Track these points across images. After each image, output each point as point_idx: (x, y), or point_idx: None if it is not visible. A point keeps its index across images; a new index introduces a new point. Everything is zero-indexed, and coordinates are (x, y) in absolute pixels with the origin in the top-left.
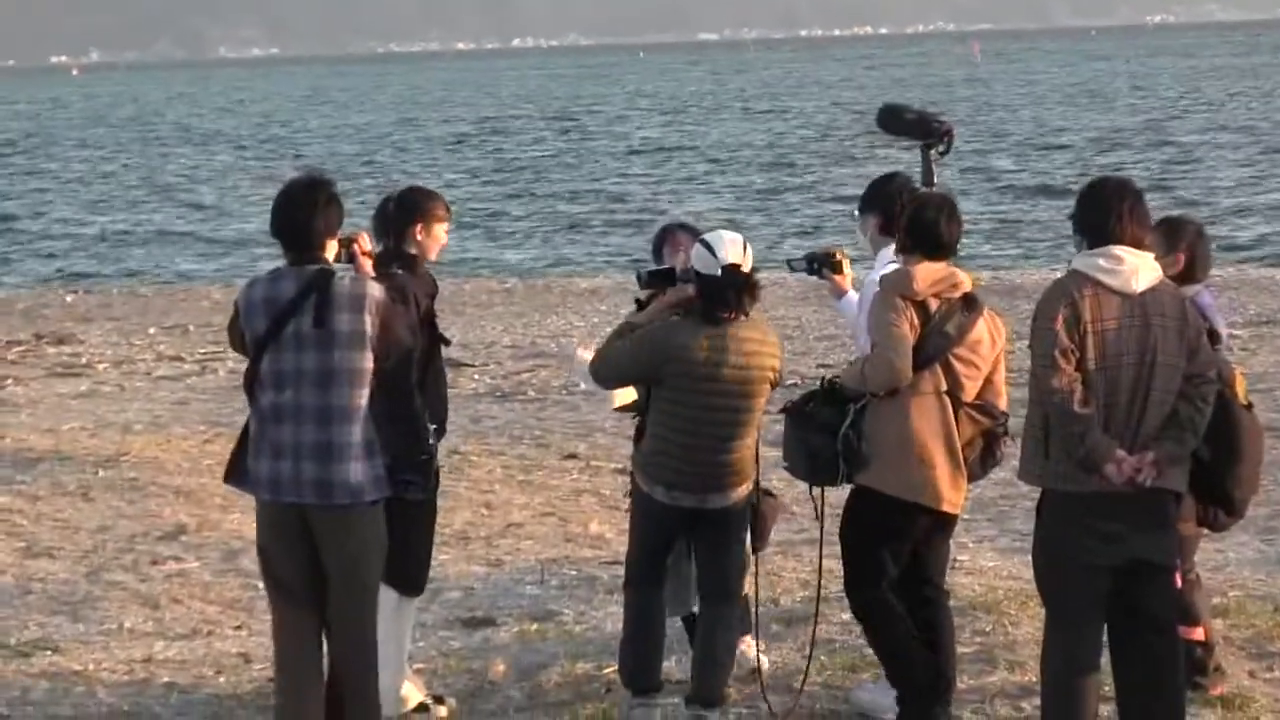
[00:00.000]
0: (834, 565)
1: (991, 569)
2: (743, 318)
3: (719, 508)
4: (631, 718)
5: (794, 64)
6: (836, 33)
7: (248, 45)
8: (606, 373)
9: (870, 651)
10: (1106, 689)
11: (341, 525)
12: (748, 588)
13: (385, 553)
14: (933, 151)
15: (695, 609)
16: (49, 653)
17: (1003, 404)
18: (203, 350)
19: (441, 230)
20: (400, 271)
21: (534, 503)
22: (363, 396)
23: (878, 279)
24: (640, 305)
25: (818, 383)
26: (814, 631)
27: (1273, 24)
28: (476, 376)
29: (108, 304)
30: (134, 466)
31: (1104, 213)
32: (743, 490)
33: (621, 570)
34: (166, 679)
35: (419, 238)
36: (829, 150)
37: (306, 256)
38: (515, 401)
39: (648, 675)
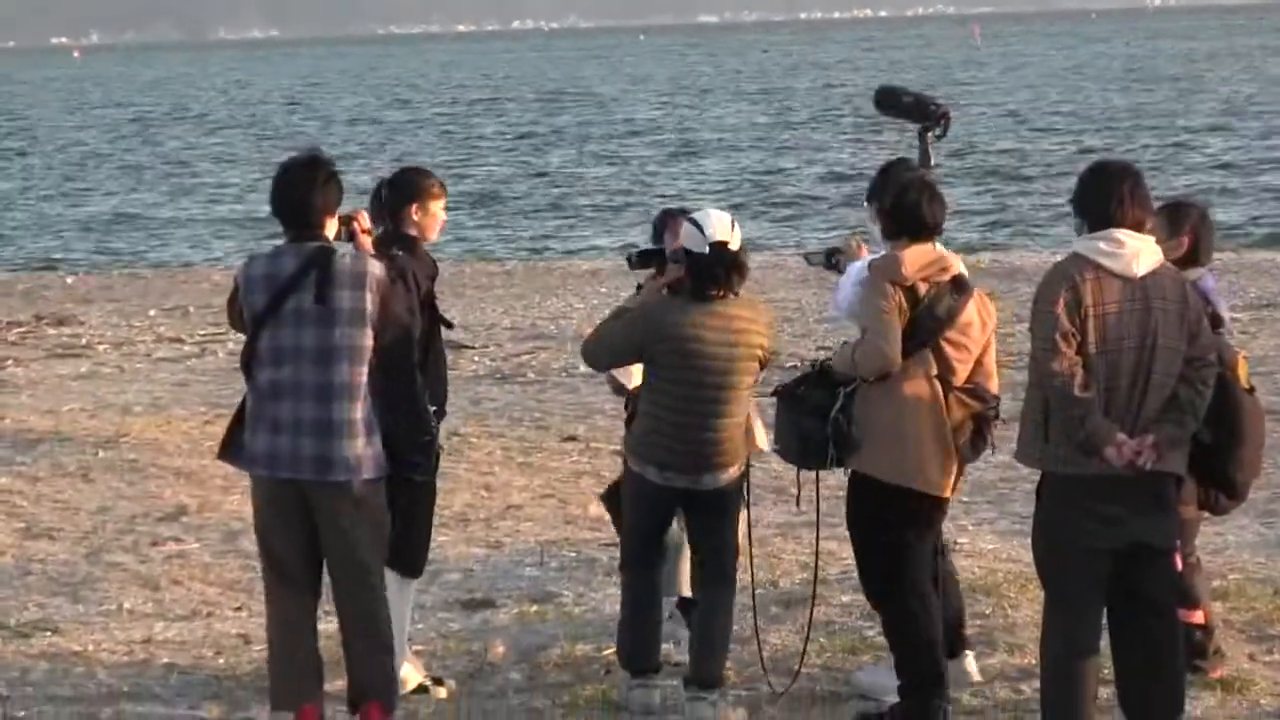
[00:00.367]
0: (833, 547)
1: (991, 552)
2: (732, 295)
3: (712, 488)
4: (630, 699)
5: (794, 45)
6: (836, 15)
7: (247, 27)
8: (600, 353)
9: (870, 634)
10: (1106, 672)
11: (340, 502)
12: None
13: (386, 532)
14: (930, 134)
15: (686, 593)
16: (48, 633)
17: (993, 386)
18: (203, 332)
19: (438, 208)
20: (400, 253)
21: (534, 485)
22: (362, 374)
23: (867, 263)
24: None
25: (809, 365)
26: (810, 614)
27: (1273, 7)
28: (476, 358)
29: (108, 285)
30: (134, 448)
31: (1105, 195)
32: (734, 471)
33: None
34: (166, 660)
35: (415, 218)
36: (824, 133)
37: (306, 234)
38: (515, 383)
39: (646, 656)
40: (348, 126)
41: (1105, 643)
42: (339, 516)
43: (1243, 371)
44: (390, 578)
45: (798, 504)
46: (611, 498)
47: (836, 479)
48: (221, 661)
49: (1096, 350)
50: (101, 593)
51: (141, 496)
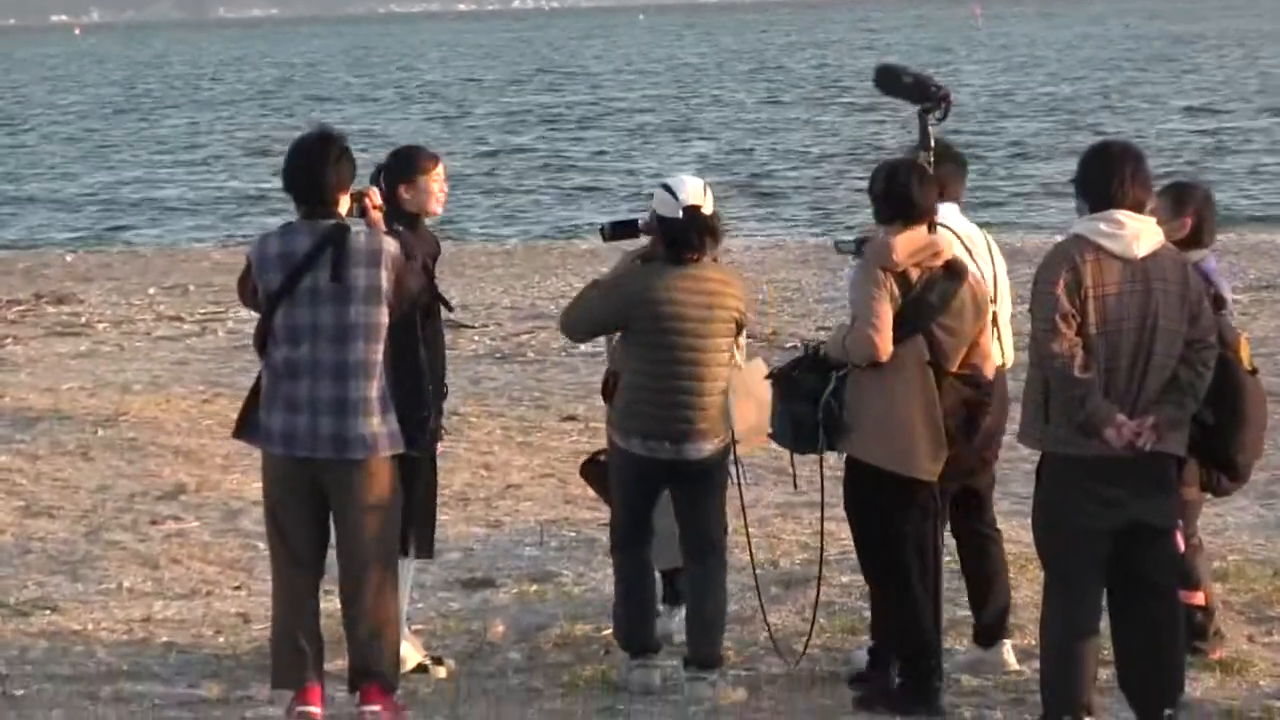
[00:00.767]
0: (833, 528)
1: None
2: (706, 260)
3: (695, 459)
4: (630, 680)
5: (791, 26)
6: None
7: (247, 5)
8: (577, 324)
9: (870, 615)
10: (1106, 653)
11: (356, 480)
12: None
13: (399, 511)
14: (930, 116)
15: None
16: (48, 612)
17: (989, 368)
18: (202, 310)
19: (428, 182)
20: (401, 229)
21: (533, 464)
22: (378, 351)
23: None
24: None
25: (805, 348)
26: (818, 595)
27: None
28: (476, 338)
29: (108, 264)
30: (133, 426)
31: (1106, 176)
32: (718, 442)
33: None
34: (165, 638)
35: (407, 196)
36: (827, 113)
37: (320, 211)
38: (515, 363)
39: (643, 636)
40: (334, 106)
41: (1105, 624)
42: (354, 495)
43: (1245, 353)
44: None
45: (795, 485)
46: (591, 470)
47: (838, 459)
48: (221, 640)
49: (1096, 331)
50: (101, 571)
51: (141, 475)
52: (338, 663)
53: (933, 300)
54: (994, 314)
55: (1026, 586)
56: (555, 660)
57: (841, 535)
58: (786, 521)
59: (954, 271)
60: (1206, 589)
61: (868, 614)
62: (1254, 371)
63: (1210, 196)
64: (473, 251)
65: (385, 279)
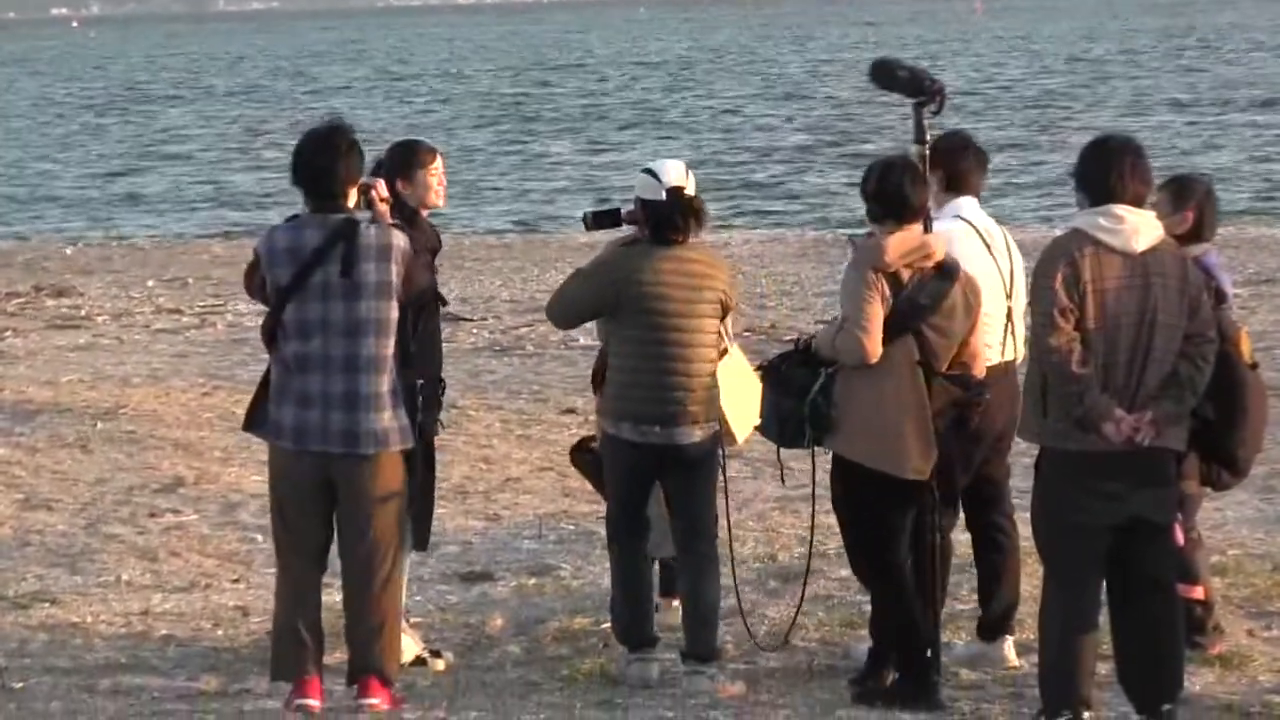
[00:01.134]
0: (830, 521)
1: None
2: (691, 241)
3: (686, 443)
4: (628, 673)
5: (796, 18)
6: None
7: None
8: (564, 310)
9: (868, 608)
10: (1105, 648)
11: (366, 474)
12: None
13: (404, 506)
14: (925, 110)
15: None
16: (47, 605)
17: (979, 368)
18: (202, 304)
19: (425, 176)
20: (398, 224)
21: (532, 457)
22: (389, 346)
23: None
24: None
25: (795, 343)
26: (804, 586)
27: None
28: (475, 331)
29: (107, 257)
30: (132, 419)
31: (1105, 170)
32: (709, 428)
33: None
34: (164, 631)
35: (404, 191)
36: (826, 106)
37: (329, 205)
38: (514, 356)
39: (640, 629)
40: (341, 101)
41: (1105, 618)
42: (363, 489)
43: (1245, 347)
44: None
45: (782, 481)
46: (580, 458)
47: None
48: (219, 633)
49: (1095, 326)
50: (100, 564)
51: (140, 468)
52: (335, 655)
53: (924, 301)
54: (1009, 309)
55: (1026, 581)
56: (554, 654)
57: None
58: (785, 515)
59: (945, 271)
60: (1206, 584)
61: (866, 608)
62: (1254, 366)
63: (1211, 190)
64: (471, 244)
65: (395, 274)
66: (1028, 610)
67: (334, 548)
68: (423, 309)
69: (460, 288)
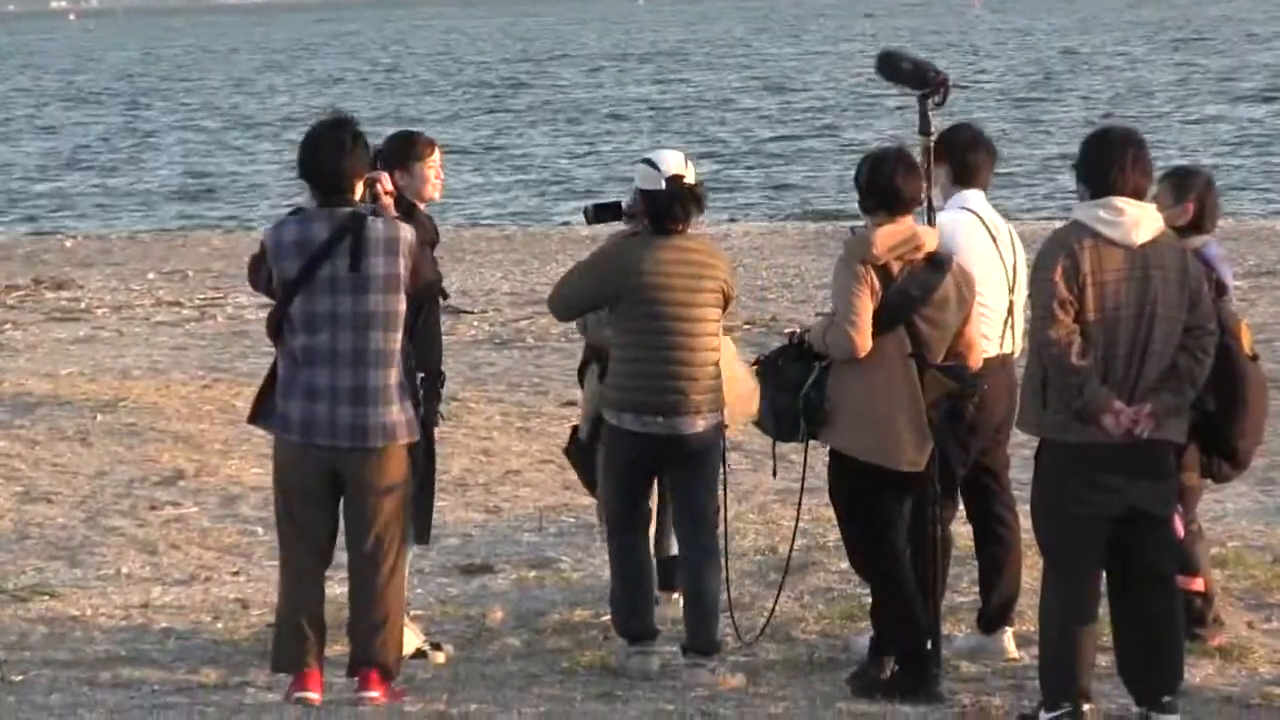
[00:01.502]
0: (830, 513)
1: None
2: (689, 231)
3: (689, 433)
4: (628, 666)
5: (794, 10)
6: None
7: None
8: (565, 302)
9: (869, 601)
10: (1105, 639)
11: (373, 467)
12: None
13: (409, 499)
14: (929, 101)
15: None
16: (46, 598)
17: (974, 358)
18: (202, 296)
19: (423, 169)
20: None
21: (532, 450)
22: (396, 340)
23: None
24: None
25: (790, 337)
26: (784, 576)
27: None
28: (475, 324)
29: (107, 249)
30: (132, 412)
31: (1106, 162)
32: (711, 419)
33: None
34: (164, 624)
35: (403, 183)
36: (827, 101)
37: (336, 199)
38: (514, 349)
39: (640, 622)
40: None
41: (1105, 610)
42: (370, 482)
43: (1246, 339)
44: None
45: (774, 474)
46: (574, 453)
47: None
48: (219, 626)
49: (1094, 318)
50: (99, 557)
51: (140, 460)
52: (335, 648)
53: (914, 293)
54: (1010, 303)
55: (1026, 573)
56: (554, 646)
57: None
58: (785, 508)
59: (936, 263)
60: (1206, 575)
61: (866, 600)
62: (1255, 358)
63: (1212, 182)
64: (472, 237)
65: (403, 267)
66: (1028, 602)
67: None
68: (423, 302)
69: (460, 280)
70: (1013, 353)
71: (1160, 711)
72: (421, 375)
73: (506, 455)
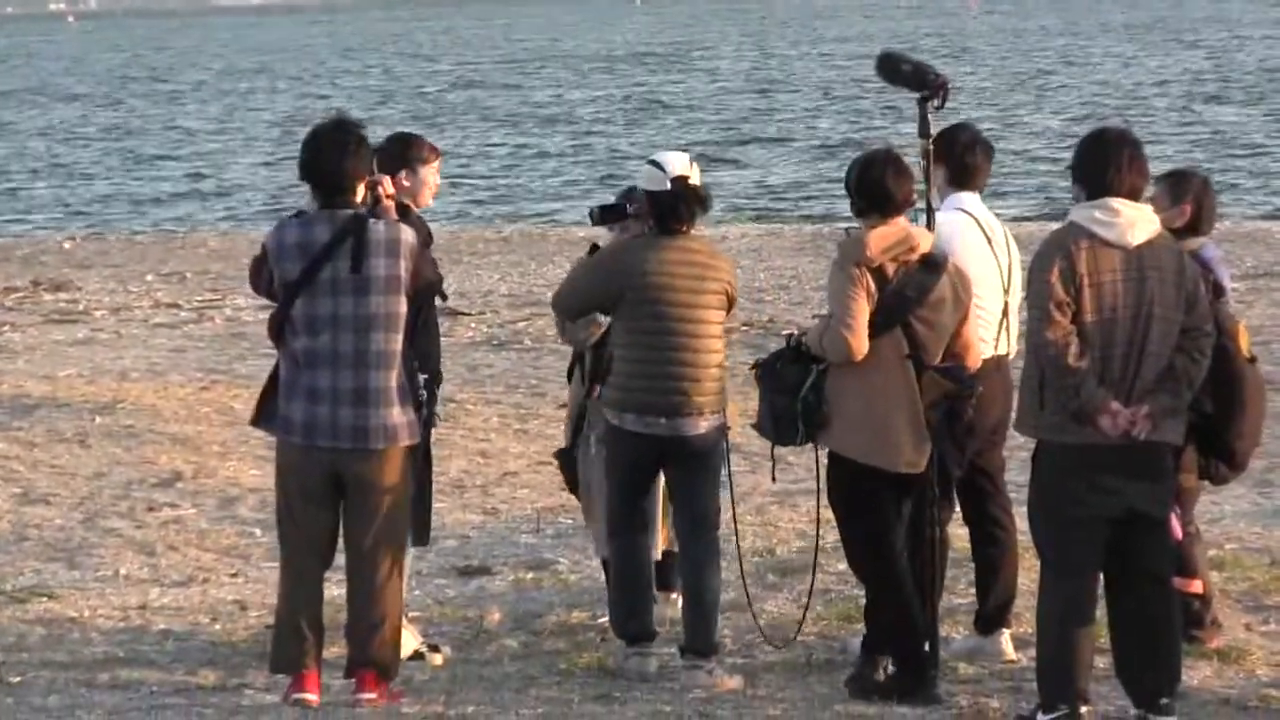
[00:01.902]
0: (830, 515)
1: None
2: (693, 233)
3: (691, 434)
4: (626, 668)
5: (789, 14)
6: None
7: None
8: (569, 302)
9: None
10: (1103, 641)
11: (375, 469)
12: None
13: (410, 501)
14: (929, 104)
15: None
16: (45, 599)
17: (972, 359)
18: (200, 298)
19: (428, 173)
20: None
21: (530, 451)
22: (397, 341)
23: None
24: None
25: (787, 340)
26: (812, 583)
27: None
28: (473, 325)
29: (105, 251)
30: (130, 413)
31: (1102, 163)
32: (714, 420)
33: None
34: (162, 626)
35: (405, 184)
36: (822, 101)
37: (339, 201)
38: (511, 350)
39: (639, 623)
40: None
41: (1103, 611)
42: (371, 484)
43: (1244, 341)
44: None
45: (773, 478)
46: (563, 457)
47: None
48: (217, 627)
49: (1091, 319)
50: (97, 558)
51: (138, 462)
52: (332, 650)
53: (910, 294)
54: (1006, 304)
55: (1023, 575)
56: (551, 648)
57: None
58: (783, 510)
59: (931, 264)
60: (1204, 577)
61: (864, 602)
62: (1253, 360)
63: (1209, 184)
64: (469, 238)
65: (404, 269)
66: (1025, 604)
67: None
68: (422, 304)
69: (458, 282)
70: (1008, 354)
71: (1158, 713)
72: (425, 377)
73: (504, 457)
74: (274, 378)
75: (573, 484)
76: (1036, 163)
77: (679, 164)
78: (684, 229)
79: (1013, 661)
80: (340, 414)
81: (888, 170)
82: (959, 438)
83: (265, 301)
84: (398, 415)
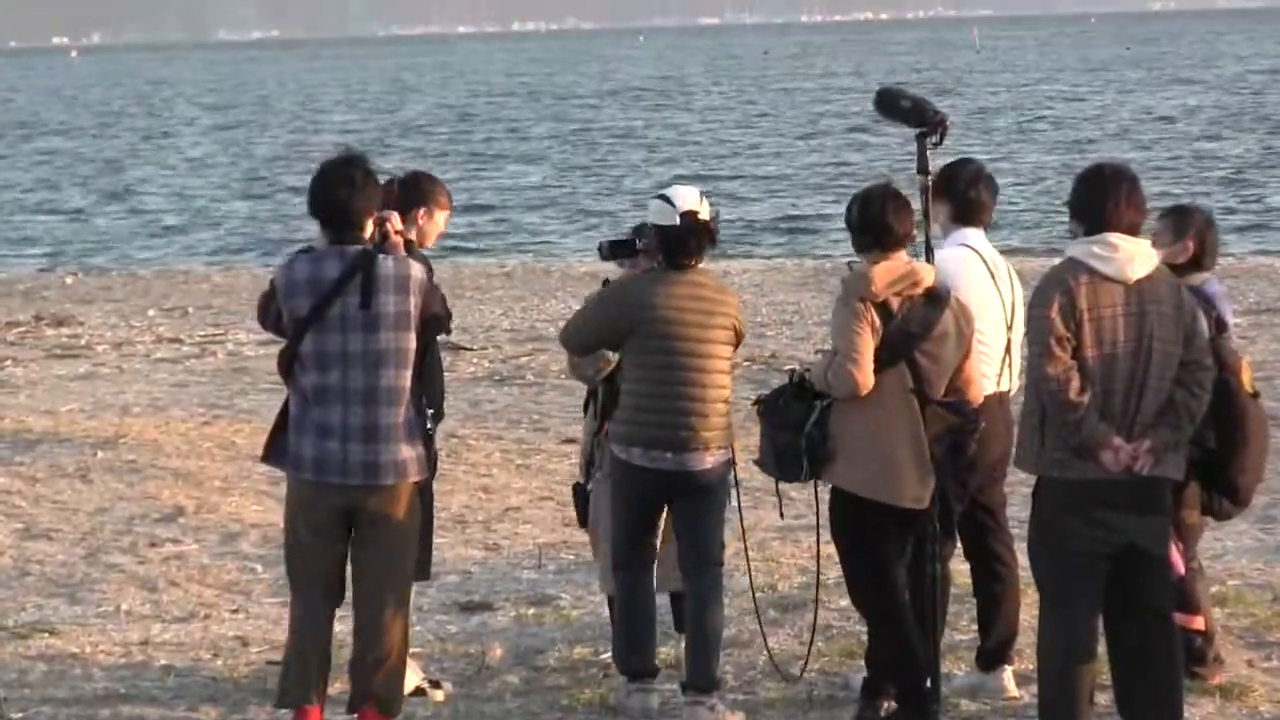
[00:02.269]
0: (832, 550)
1: None
2: (700, 267)
3: (697, 470)
4: (628, 704)
5: (792, 49)
6: (837, 18)
7: (248, 28)
8: (577, 337)
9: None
10: (1104, 677)
11: (385, 505)
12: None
13: (418, 537)
14: (928, 140)
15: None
16: (46, 634)
17: (974, 394)
18: (202, 333)
19: (443, 218)
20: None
21: (532, 487)
22: (407, 377)
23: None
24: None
25: (790, 376)
26: (815, 618)
27: (1270, 11)
28: (475, 360)
29: (107, 286)
30: (132, 449)
31: (1100, 199)
32: (720, 455)
33: None
34: (163, 661)
35: (420, 222)
36: (830, 136)
37: (347, 236)
38: (514, 385)
39: (642, 659)
40: (333, 132)
41: (1102, 647)
42: (381, 520)
43: (1247, 376)
44: None
45: (780, 515)
46: (578, 490)
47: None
48: (219, 663)
49: (1092, 354)
50: (99, 594)
51: (140, 498)
52: (335, 685)
53: (914, 329)
54: (1009, 341)
55: (1025, 611)
56: (553, 684)
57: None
58: (785, 545)
59: (935, 298)
60: (1206, 614)
61: (865, 638)
62: (1256, 395)
63: (1211, 220)
64: (472, 273)
65: (414, 305)
66: (1027, 640)
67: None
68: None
69: (460, 317)
70: (1010, 390)
71: None
72: (431, 411)
73: (506, 492)
74: (284, 414)
75: (584, 519)
76: (1031, 197)
77: (689, 198)
78: (693, 264)
79: (1015, 698)
80: (351, 450)
81: (887, 205)
82: (961, 473)
83: (267, 336)
84: (407, 451)
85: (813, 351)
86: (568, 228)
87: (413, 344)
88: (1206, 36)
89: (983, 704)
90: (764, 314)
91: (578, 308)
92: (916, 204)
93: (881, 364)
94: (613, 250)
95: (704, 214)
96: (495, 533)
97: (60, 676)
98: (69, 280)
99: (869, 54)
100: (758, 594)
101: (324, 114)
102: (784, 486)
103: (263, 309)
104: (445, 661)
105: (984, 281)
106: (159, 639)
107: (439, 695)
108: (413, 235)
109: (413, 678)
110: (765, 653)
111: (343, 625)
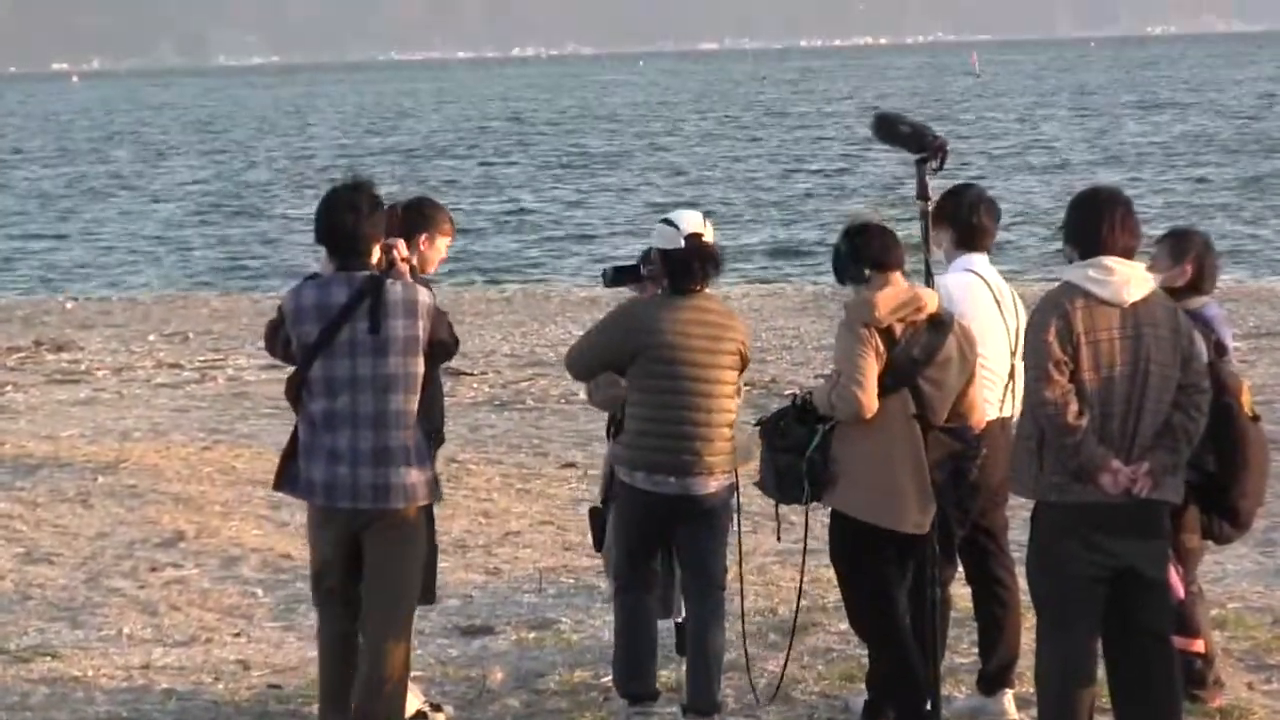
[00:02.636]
0: (831, 574)
1: None
2: (705, 292)
3: (700, 494)
4: None
5: (789, 73)
6: (837, 43)
7: (247, 53)
8: (582, 361)
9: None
10: (1104, 700)
11: (394, 528)
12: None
13: (424, 561)
14: (927, 165)
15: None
16: (48, 659)
17: (976, 420)
18: (202, 358)
19: (444, 245)
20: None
21: (532, 511)
22: (415, 401)
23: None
24: None
25: (791, 399)
26: (790, 639)
27: (1269, 36)
28: (475, 385)
29: (107, 311)
30: (133, 473)
31: (1094, 223)
32: (724, 480)
33: None
34: (165, 685)
35: (422, 248)
36: (827, 158)
37: (354, 263)
38: (514, 410)
39: (642, 683)
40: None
41: (1101, 670)
42: (390, 543)
43: (1247, 399)
44: None
45: (778, 538)
46: (594, 512)
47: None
48: (220, 687)
49: (1089, 378)
50: (100, 618)
51: (140, 522)
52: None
53: (917, 355)
54: (1012, 366)
55: (1026, 634)
56: (554, 707)
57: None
58: (784, 569)
59: (938, 324)
60: (1206, 637)
61: (865, 661)
62: (1256, 419)
63: (1210, 243)
64: (472, 298)
65: (422, 329)
66: (1028, 663)
67: None
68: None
69: (460, 342)
70: (1012, 416)
71: None
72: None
73: (506, 517)
74: (294, 440)
75: (599, 542)
76: (1029, 224)
77: (693, 222)
78: (698, 288)
79: None
80: (360, 474)
81: (870, 230)
82: (963, 498)
83: (267, 361)
84: (416, 474)
85: (813, 376)
86: (571, 250)
87: (421, 369)
88: (1206, 60)
89: None
90: (764, 339)
91: (579, 333)
92: (916, 230)
93: (885, 389)
94: (616, 276)
95: (709, 237)
96: (496, 557)
97: (62, 700)
98: (69, 305)
99: (868, 78)
100: (758, 618)
101: (315, 140)
102: (783, 510)
103: (270, 336)
104: (446, 685)
105: (989, 307)
106: (160, 663)
107: (440, 718)
108: (415, 260)
109: (414, 701)
110: (763, 676)
111: None
